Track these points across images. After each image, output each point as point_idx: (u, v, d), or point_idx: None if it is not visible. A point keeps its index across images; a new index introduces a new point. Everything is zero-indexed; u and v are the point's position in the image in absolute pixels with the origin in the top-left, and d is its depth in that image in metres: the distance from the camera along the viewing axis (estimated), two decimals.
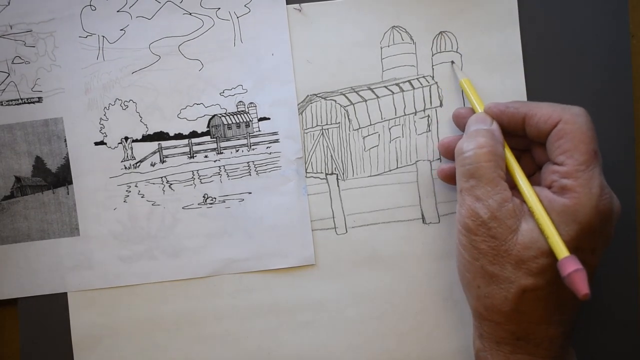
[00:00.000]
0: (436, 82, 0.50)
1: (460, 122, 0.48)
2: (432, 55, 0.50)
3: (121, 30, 0.50)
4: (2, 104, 0.50)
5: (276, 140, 0.50)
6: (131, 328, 0.50)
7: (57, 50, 0.50)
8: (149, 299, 0.50)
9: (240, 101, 0.50)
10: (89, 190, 0.50)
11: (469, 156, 0.42)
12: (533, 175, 0.46)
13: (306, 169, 0.50)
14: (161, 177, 0.50)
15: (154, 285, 0.50)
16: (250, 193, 0.50)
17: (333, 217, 0.50)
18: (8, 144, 0.50)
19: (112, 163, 0.50)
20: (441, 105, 0.50)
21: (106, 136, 0.50)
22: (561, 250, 0.39)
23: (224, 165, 0.50)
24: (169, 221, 0.50)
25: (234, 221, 0.50)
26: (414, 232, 0.50)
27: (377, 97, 0.50)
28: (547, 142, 0.42)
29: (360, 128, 0.50)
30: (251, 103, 0.50)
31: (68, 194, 0.50)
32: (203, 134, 0.50)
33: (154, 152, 0.50)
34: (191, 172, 0.50)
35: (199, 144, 0.50)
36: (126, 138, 0.50)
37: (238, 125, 0.50)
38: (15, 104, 0.50)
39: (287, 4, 0.49)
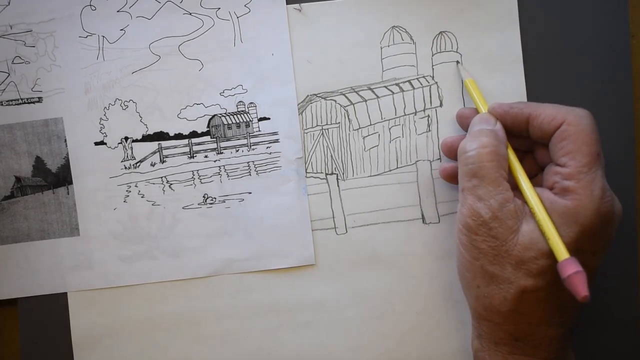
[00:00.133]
0: (436, 82, 0.50)
1: (463, 122, 0.48)
2: (432, 55, 0.50)
3: (121, 30, 0.50)
4: (2, 104, 0.50)
5: (276, 140, 0.50)
6: (131, 328, 0.50)
7: (57, 50, 0.50)
8: (149, 299, 0.50)
9: (240, 101, 0.50)
10: (89, 190, 0.50)
11: (471, 155, 0.42)
12: (535, 177, 0.46)
13: (306, 169, 0.50)
14: (161, 177, 0.50)
15: (154, 285, 0.50)
16: (250, 193, 0.50)
17: (333, 217, 0.50)
18: (8, 144, 0.50)
19: (112, 163, 0.50)
20: (441, 105, 0.50)
21: (106, 136, 0.50)
22: (561, 252, 0.39)
23: (224, 165, 0.50)
24: (169, 221, 0.50)
25: (234, 221, 0.50)
26: (414, 232, 0.50)
27: (377, 97, 0.50)
28: (550, 143, 0.42)
29: (360, 128, 0.50)
30: (251, 103, 0.50)
31: (68, 194, 0.50)
32: (203, 134, 0.50)
33: (154, 152, 0.50)
34: (191, 172, 0.50)
35: (199, 144, 0.50)
36: (126, 138, 0.50)
37: (238, 125, 0.50)
38: (15, 104, 0.50)
39: (287, 4, 0.49)
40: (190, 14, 0.49)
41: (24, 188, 0.50)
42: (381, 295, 0.50)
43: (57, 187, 0.50)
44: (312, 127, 0.50)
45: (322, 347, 0.50)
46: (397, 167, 0.50)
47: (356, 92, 0.50)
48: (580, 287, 0.38)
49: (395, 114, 0.50)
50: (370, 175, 0.50)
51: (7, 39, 0.50)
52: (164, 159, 0.50)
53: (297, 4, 0.49)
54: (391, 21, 0.49)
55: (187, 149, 0.50)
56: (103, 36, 0.50)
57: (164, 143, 0.50)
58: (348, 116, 0.50)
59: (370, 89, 0.50)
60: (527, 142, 0.45)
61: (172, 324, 0.50)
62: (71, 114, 0.50)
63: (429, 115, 0.50)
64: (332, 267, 0.50)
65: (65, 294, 0.50)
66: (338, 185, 0.50)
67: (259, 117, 0.50)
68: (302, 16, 0.49)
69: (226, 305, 0.50)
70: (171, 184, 0.50)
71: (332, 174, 0.50)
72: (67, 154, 0.50)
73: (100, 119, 0.50)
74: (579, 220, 0.40)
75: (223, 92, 0.50)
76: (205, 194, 0.50)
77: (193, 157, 0.50)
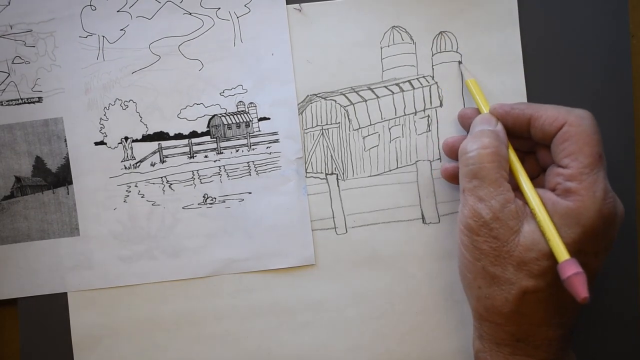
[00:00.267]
0: (436, 82, 0.50)
1: (465, 122, 0.48)
2: (432, 55, 0.50)
3: (121, 30, 0.50)
4: (2, 104, 0.50)
5: (276, 140, 0.50)
6: (131, 328, 0.50)
7: (57, 50, 0.50)
8: (149, 299, 0.50)
9: (240, 101, 0.50)
10: (89, 190, 0.50)
11: (472, 156, 0.42)
12: (537, 178, 0.46)
13: (306, 169, 0.50)
14: (161, 177, 0.50)
15: (153, 285, 0.50)
16: (250, 193, 0.50)
17: (333, 217, 0.50)
18: (8, 144, 0.50)
19: (112, 163, 0.50)
20: (441, 105, 0.50)
21: (106, 136, 0.50)
22: (562, 253, 0.39)
23: (224, 165, 0.50)
24: (169, 221, 0.50)
25: (234, 221, 0.50)
26: (414, 232, 0.50)
27: (377, 97, 0.50)
28: (551, 145, 0.42)
29: (360, 128, 0.50)
30: (251, 103, 0.50)
31: (68, 194, 0.50)
32: (203, 134, 0.50)
33: (154, 152, 0.50)
34: (191, 172, 0.50)
35: (199, 144, 0.50)
36: (126, 138, 0.50)
37: (238, 125, 0.50)
38: (15, 104, 0.50)
39: (287, 4, 0.49)
40: (190, 14, 0.49)
41: (24, 188, 0.50)
42: (381, 295, 0.50)
43: (57, 187, 0.50)
44: (312, 127, 0.50)
45: (322, 347, 0.50)
46: (397, 167, 0.50)
47: (356, 92, 0.50)
48: (580, 289, 0.38)
49: (395, 114, 0.50)
50: (370, 175, 0.50)
51: (7, 38, 0.50)
52: (164, 159, 0.50)
53: (297, 4, 0.49)
54: (391, 21, 0.49)
55: (187, 149, 0.50)
56: (103, 36, 0.50)
57: (164, 143, 0.50)
58: (348, 116, 0.50)
59: (370, 89, 0.50)
60: (528, 143, 0.45)
61: (172, 324, 0.50)
62: (71, 114, 0.50)
63: (429, 115, 0.50)
64: (332, 267, 0.50)
65: (65, 294, 0.50)
66: (338, 185, 0.50)
67: (259, 117, 0.50)
68: (302, 16, 0.49)
69: (226, 305, 0.50)
70: (171, 184, 0.50)
71: (332, 174, 0.50)
72: (67, 154, 0.50)
73: (100, 119, 0.50)
74: (581, 222, 0.40)
75: (223, 92, 0.50)
76: (205, 194, 0.50)
77: (193, 157, 0.50)
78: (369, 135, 0.50)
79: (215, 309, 0.50)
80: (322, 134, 0.50)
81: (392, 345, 0.50)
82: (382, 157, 0.50)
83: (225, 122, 0.50)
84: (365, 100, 0.50)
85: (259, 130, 0.50)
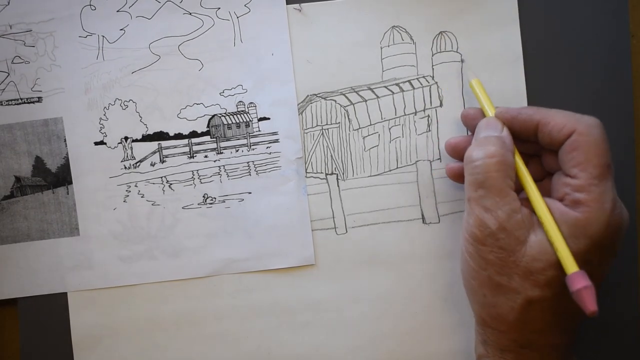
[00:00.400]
0: (436, 82, 0.50)
1: (469, 122, 0.47)
2: (432, 55, 0.49)
3: (121, 30, 0.50)
4: (1, 104, 0.50)
5: (276, 140, 0.50)
6: (131, 328, 0.50)
7: (56, 50, 0.50)
8: (149, 299, 0.50)
9: (240, 101, 0.50)
10: (89, 190, 0.50)
11: (478, 165, 0.42)
12: (541, 181, 0.45)
13: (306, 169, 0.50)
14: (161, 177, 0.50)
15: (153, 285, 0.50)
16: (250, 193, 0.50)
17: (333, 217, 0.50)
18: (8, 144, 0.50)
19: (112, 163, 0.50)
20: (441, 105, 0.50)
21: (106, 136, 0.50)
22: (571, 265, 0.39)
23: (223, 165, 0.50)
24: (169, 221, 0.50)
25: (234, 221, 0.50)
26: (414, 232, 0.50)
27: (377, 97, 0.50)
28: (559, 153, 0.42)
29: (360, 128, 0.50)
30: (251, 103, 0.50)
31: (68, 193, 0.50)
32: (203, 134, 0.50)
33: (154, 152, 0.50)
34: (191, 172, 0.50)
35: (198, 144, 0.50)
36: (126, 138, 0.50)
37: (238, 125, 0.50)
38: (15, 104, 0.50)
39: (287, 4, 0.49)
40: (190, 13, 0.49)
41: (23, 188, 0.50)
42: (381, 295, 0.50)
43: (56, 187, 0.50)
44: (312, 127, 0.50)
45: (322, 347, 0.50)
46: (397, 167, 0.50)
47: (356, 92, 0.50)
48: (589, 302, 0.38)
49: (395, 114, 0.50)
50: (370, 175, 0.50)
51: (6, 38, 0.50)
52: (164, 159, 0.50)
53: (297, 4, 0.49)
54: (391, 21, 0.49)
55: (187, 149, 0.50)
56: (103, 36, 0.50)
57: (164, 143, 0.50)
58: (348, 116, 0.50)
59: (370, 89, 0.50)
60: (533, 146, 0.44)
61: (172, 324, 0.50)
62: (71, 113, 0.50)
63: (429, 115, 0.50)
64: (332, 267, 0.50)
65: (65, 294, 0.50)
66: (338, 185, 0.50)
67: (259, 117, 0.50)
68: (302, 16, 0.49)
69: (226, 305, 0.50)
70: (171, 184, 0.50)
71: (332, 174, 0.50)
72: (67, 153, 0.50)
73: (100, 118, 0.50)
74: (588, 233, 0.39)
75: (223, 92, 0.50)
76: (205, 194, 0.50)
77: (193, 157, 0.50)
78: (369, 135, 0.50)
79: (215, 309, 0.50)
80: (322, 134, 0.50)
81: (392, 345, 0.50)
82: (382, 157, 0.50)
83: (225, 122, 0.50)
84: (365, 100, 0.50)
85: (259, 130, 0.50)
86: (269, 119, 0.50)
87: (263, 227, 0.50)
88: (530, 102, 0.49)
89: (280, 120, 0.50)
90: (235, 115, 0.50)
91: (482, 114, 0.46)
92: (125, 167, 0.50)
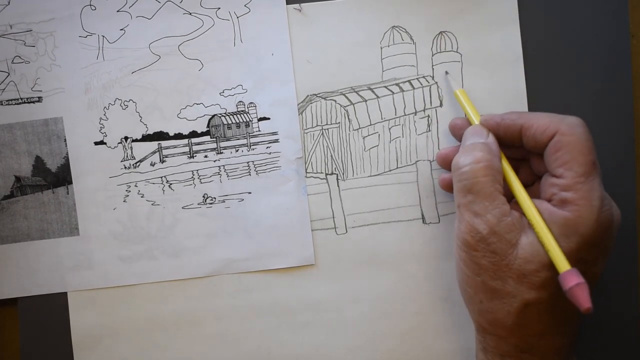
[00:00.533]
0: (436, 82, 0.50)
1: (456, 132, 0.47)
2: (432, 55, 0.49)
3: (121, 30, 0.50)
4: (2, 104, 0.50)
5: (276, 140, 0.50)
6: (131, 328, 0.50)
7: (57, 50, 0.50)
8: (149, 299, 0.50)
9: (240, 101, 0.50)
10: (89, 190, 0.50)
11: (465, 171, 0.42)
12: (532, 185, 0.45)
13: (306, 169, 0.50)
14: (161, 177, 0.50)
15: (153, 285, 0.50)
16: (250, 193, 0.50)
17: (333, 217, 0.50)
18: (8, 144, 0.50)
19: (112, 163, 0.50)
20: (441, 105, 0.50)
21: (106, 136, 0.50)
22: (562, 264, 0.39)
23: (223, 165, 0.50)
24: (168, 221, 0.50)
25: (234, 221, 0.50)
26: (414, 232, 0.50)
27: (377, 97, 0.50)
28: (544, 154, 0.42)
29: (360, 128, 0.50)
30: (251, 103, 0.50)
31: (68, 193, 0.50)
32: (203, 134, 0.50)
33: (154, 152, 0.50)
34: (191, 172, 0.50)
35: (198, 143, 0.50)
36: (126, 138, 0.50)
37: (238, 125, 0.50)
38: (15, 104, 0.50)
39: (287, 4, 0.49)
40: (190, 13, 0.49)
41: (23, 188, 0.50)
42: (381, 295, 0.50)
43: (56, 187, 0.50)
44: (312, 127, 0.50)
45: (322, 347, 0.50)
46: (397, 167, 0.50)
47: (356, 92, 0.50)
48: (583, 299, 0.38)
49: (395, 114, 0.50)
50: (370, 175, 0.50)
51: (7, 38, 0.50)
52: (164, 159, 0.50)
53: (297, 4, 0.49)
54: (391, 21, 0.49)
55: (187, 149, 0.50)
56: (103, 36, 0.50)
57: (164, 143, 0.50)
58: (348, 116, 0.50)
59: (370, 89, 0.50)
60: (521, 151, 0.45)
61: (172, 324, 0.50)
62: (71, 113, 0.50)
63: (429, 115, 0.50)
64: (332, 267, 0.50)
65: (65, 293, 0.50)
66: (338, 185, 0.50)
67: (258, 117, 0.50)
68: (302, 16, 0.49)
69: (226, 305, 0.50)
70: (171, 184, 0.50)
71: (332, 174, 0.50)
72: (67, 153, 0.50)
73: (100, 118, 0.50)
74: (579, 231, 0.40)
75: (223, 92, 0.50)
76: (205, 194, 0.50)
77: (193, 157, 0.50)
78: (369, 135, 0.50)
79: (215, 309, 0.50)
80: (322, 134, 0.50)
81: (392, 345, 0.50)
82: (382, 157, 0.50)
83: (225, 122, 0.50)
84: (365, 100, 0.50)
85: (259, 130, 0.50)
86: (269, 119, 0.50)
87: (263, 227, 0.50)
88: (530, 102, 0.49)
89: (280, 120, 0.50)
90: (235, 115, 0.50)
91: (469, 123, 0.46)
92: (125, 167, 0.50)
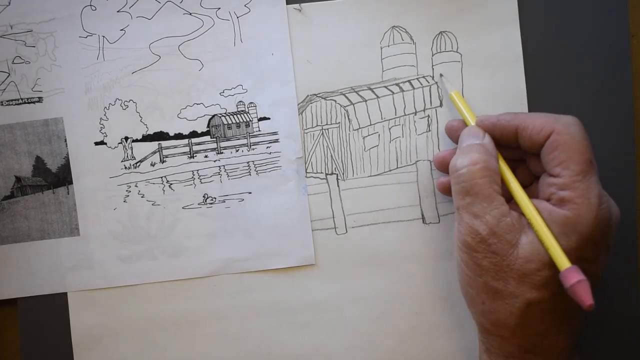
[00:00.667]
0: (436, 82, 0.50)
1: (453, 135, 0.48)
2: (432, 55, 0.50)
3: (121, 30, 0.50)
4: (2, 104, 0.50)
5: (276, 140, 0.50)
6: (131, 328, 0.50)
7: (57, 50, 0.50)
8: (149, 299, 0.50)
9: (240, 101, 0.50)
10: (89, 190, 0.50)
11: (463, 173, 0.42)
12: (531, 186, 0.46)
13: (306, 169, 0.50)
14: (161, 177, 0.50)
15: (153, 285, 0.50)
16: (250, 193, 0.50)
17: (333, 217, 0.50)
18: (8, 144, 0.50)
19: (112, 163, 0.50)
20: (441, 105, 0.50)
21: (106, 136, 0.50)
22: (563, 262, 0.39)
23: (224, 165, 0.50)
24: (169, 221, 0.50)
25: (234, 221, 0.50)
26: (414, 232, 0.50)
27: (377, 97, 0.50)
28: (541, 154, 0.42)
29: (360, 128, 0.50)
30: (251, 103, 0.50)
31: (68, 193, 0.50)
32: (203, 134, 0.50)
33: (154, 152, 0.50)
34: (191, 172, 0.50)
35: (199, 143, 0.50)
36: (126, 138, 0.50)
37: (238, 125, 0.50)
38: (16, 104, 0.50)
39: (287, 4, 0.49)
40: (190, 14, 0.50)
41: (24, 188, 0.50)
42: (381, 295, 0.50)
43: (57, 187, 0.50)
44: (312, 127, 0.50)
45: (322, 347, 0.50)
46: (397, 167, 0.50)
47: (356, 92, 0.50)
48: (585, 296, 0.38)
49: (395, 114, 0.50)
50: (370, 175, 0.50)
51: (7, 39, 0.50)
52: (164, 159, 0.50)
53: (297, 4, 0.49)
54: (391, 21, 0.49)
55: (187, 149, 0.50)
56: (103, 36, 0.50)
57: (164, 143, 0.50)
58: (348, 116, 0.50)
59: (370, 89, 0.50)
60: (519, 152, 0.45)
61: (172, 324, 0.50)
62: (71, 113, 0.50)
63: (429, 115, 0.50)
64: (332, 267, 0.50)
65: (65, 294, 0.50)
66: (338, 185, 0.50)
67: (259, 117, 0.50)
68: (302, 16, 0.49)
69: (226, 305, 0.50)
70: (171, 184, 0.50)
71: (332, 174, 0.50)
72: (67, 153, 0.50)
73: (101, 118, 0.50)
74: (578, 229, 0.40)
75: (223, 92, 0.50)
76: (205, 194, 0.50)
77: (193, 157, 0.50)
78: (369, 135, 0.50)
79: (215, 309, 0.50)
80: (322, 134, 0.50)
81: (391, 345, 0.50)
82: (382, 157, 0.50)
83: (225, 122, 0.50)
84: (365, 100, 0.50)
85: (259, 130, 0.50)
86: (269, 119, 0.50)
87: (263, 227, 0.50)
88: (530, 102, 0.49)
89: (280, 120, 0.50)
90: (235, 115, 0.50)
91: (465, 125, 0.46)
92: (126, 167, 0.50)
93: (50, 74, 0.50)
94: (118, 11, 0.50)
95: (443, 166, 0.48)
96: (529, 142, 0.42)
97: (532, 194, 0.43)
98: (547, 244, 0.40)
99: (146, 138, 0.50)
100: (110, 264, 0.50)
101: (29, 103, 0.50)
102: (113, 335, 0.50)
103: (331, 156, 0.50)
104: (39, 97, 0.50)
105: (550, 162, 0.41)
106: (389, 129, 0.50)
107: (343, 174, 0.50)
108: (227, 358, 0.50)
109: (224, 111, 0.50)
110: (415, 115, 0.50)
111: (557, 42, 0.49)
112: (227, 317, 0.50)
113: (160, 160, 0.50)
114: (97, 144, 0.50)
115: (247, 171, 0.50)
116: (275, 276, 0.50)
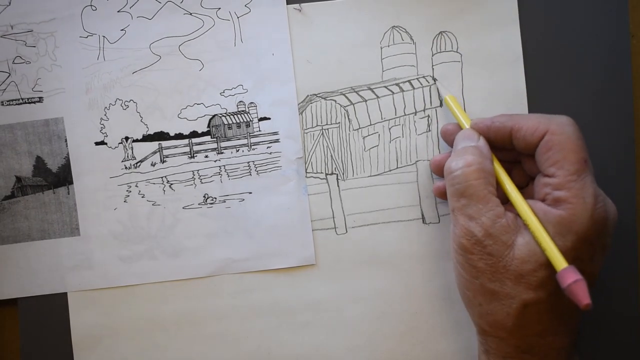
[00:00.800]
0: (436, 82, 0.50)
1: (448, 138, 0.48)
2: (432, 55, 0.50)
3: (122, 30, 0.50)
4: (2, 104, 0.50)
5: (276, 140, 0.50)
6: (131, 328, 0.50)
7: (57, 50, 0.50)
8: (149, 299, 0.50)
9: (240, 101, 0.50)
10: (90, 190, 0.50)
11: (457, 175, 0.42)
12: (526, 187, 0.46)
13: (306, 169, 0.50)
14: (161, 177, 0.50)
15: (154, 285, 0.50)
16: (251, 193, 0.50)
17: (333, 217, 0.50)
18: (9, 144, 0.50)
19: (112, 163, 0.50)
20: (441, 105, 0.50)
21: (107, 136, 0.50)
22: (559, 262, 0.39)
23: (224, 165, 0.50)
24: (169, 221, 0.50)
25: (234, 221, 0.50)
26: (414, 232, 0.50)
27: (377, 97, 0.50)
28: (536, 155, 0.42)
29: (360, 128, 0.50)
30: (251, 103, 0.50)
31: (68, 193, 0.50)
32: (203, 134, 0.50)
33: (155, 152, 0.50)
34: (191, 172, 0.50)
35: (199, 144, 0.50)
36: (126, 138, 0.50)
37: (238, 125, 0.50)
38: (16, 104, 0.50)
39: (287, 4, 0.49)
40: (191, 14, 0.50)
41: (24, 188, 0.50)
42: (381, 295, 0.50)
43: (57, 187, 0.50)
44: (312, 127, 0.50)
45: (322, 347, 0.50)
46: (397, 167, 0.50)
47: (356, 92, 0.50)
48: (582, 296, 0.38)
49: (395, 114, 0.50)
50: (370, 175, 0.50)
51: (7, 39, 0.50)
52: (164, 159, 0.50)
53: (297, 4, 0.49)
54: (391, 21, 0.49)
55: (187, 149, 0.50)
56: (104, 36, 0.50)
57: (165, 143, 0.50)
58: (348, 116, 0.50)
59: (370, 89, 0.50)
60: (513, 153, 0.45)
61: (172, 324, 0.50)
62: (72, 113, 0.50)
63: (429, 115, 0.50)
64: (332, 267, 0.50)
65: (65, 294, 0.50)
66: (338, 185, 0.50)
67: (259, 117, 0.50)
68: (302, 16, 0.49)
69: (226, 305, 0.50)
70: (171, 184, 0.50)
71: (332, 174, 0.50)
72: (68, 153, 0.50)
73: (101, 119, 0.50)
74: (574, 229, 0.40)
75: (223, 92, 0.50)
76: (205, 194, 0.50)
77: (193, 157, 0.50)
78: (369, 135, 0.50)
79: (215, 309, 0.50)
80: (322, 134, 0.50)
81: (391, 345, 0.50)
82: (382, 157, 0.50)
83: (226, 122, 0.50)
84: (365, 100, 0.50)
85: (259, 130, 0.50)
86: (269, 118, 0.50)
87: (263, 227, 0.50)
88: (530, 102, 0.49)
89: (280, 120, 0.50)
90: (235, 115, 0.50)
91: (460, 128, 0.46)
92: (126, 167, 0.50)
93: (51, 74, 0.50)
94: (118, 11, 0.50)
95: (439, 169, 0.48)
96: (523, 143, 0.43)
97: (527, 195, 0.43)
98: (543, 245, 0.40)
99: (146, 138, 0.50)
100: (111, 264, 0.50)
101: (29, 103, 0.50)
102: (113, 335, 0.50)
103: (331, 156, 0.50)
104: (40, 97, 0.50)
105: (544, 163, 0.41)
106: (389, 129, 0.50)
107: (343, 174, 0.50)
108: (227, 358, 0.50)
109: (224, 111, 0.50)
110: (415, 115, 0.50)
111: (557, 42, 0.49)
112: (227, 317, 0.50)
113: (161, 160, 0.50)
114: (97, 144, 0.50)
115: (248, 171, 0.50)
116: (275, 276, 0.50)
